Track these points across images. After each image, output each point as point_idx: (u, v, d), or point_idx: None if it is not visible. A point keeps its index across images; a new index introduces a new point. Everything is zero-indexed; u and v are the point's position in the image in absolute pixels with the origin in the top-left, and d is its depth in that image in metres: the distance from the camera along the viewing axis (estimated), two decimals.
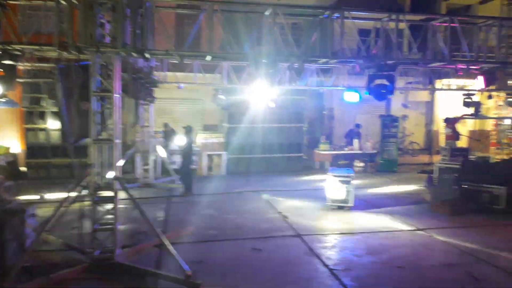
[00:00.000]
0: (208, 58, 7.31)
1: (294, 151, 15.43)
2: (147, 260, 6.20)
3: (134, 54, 6.43)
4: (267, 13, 7.40)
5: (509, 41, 9.15)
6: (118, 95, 6.05)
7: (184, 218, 8.76)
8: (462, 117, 15.49)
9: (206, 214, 9.30)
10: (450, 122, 15.01)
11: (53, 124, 13.09)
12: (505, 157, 15.85)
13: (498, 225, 8.48)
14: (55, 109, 12.74)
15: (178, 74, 12.20)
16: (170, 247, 5.81)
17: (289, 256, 6.72)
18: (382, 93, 7.37)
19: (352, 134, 16.20)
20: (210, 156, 14.69)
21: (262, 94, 7.70)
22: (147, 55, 6.71)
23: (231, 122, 14.89)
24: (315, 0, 17.97)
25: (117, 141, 6.03)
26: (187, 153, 11.51)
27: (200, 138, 14.75)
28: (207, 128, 15.96)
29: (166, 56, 8.64)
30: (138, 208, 5.98)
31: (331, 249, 7.08)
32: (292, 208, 9.84)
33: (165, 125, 14.87)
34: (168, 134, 14.46)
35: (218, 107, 14.44)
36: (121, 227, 6.36)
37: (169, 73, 12.08)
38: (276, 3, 7.46)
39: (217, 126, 16.46)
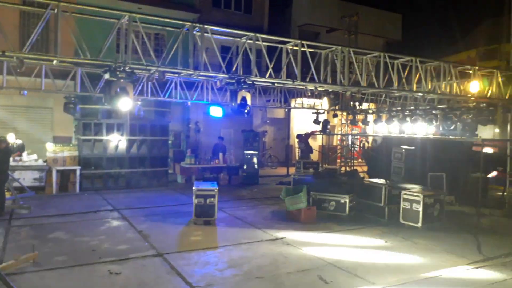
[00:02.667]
0: (55, 62, 6.54)
1: (158, 165, 14.85)
2: None
3: None
4: (123, 20, 7.00)
5: (350, 67, 10.44)
6: None
7: (26, 243, 7.56)
8: (312, 133, 17.16)
9: (53, 238, 8.22)
10: (302, 137, 16.47)
11: None
12: (348, 169, 18.05)
13: (344, 230, 9.47)
14: None
15: (21, 79, 10.67)
16: (6, 279, 4.90)
17: (149, 277, 6.32)
18: (242, 109, 7.61)
19: (218, 148, 16.48)
20: (61, 172, 13.17)
21: (120, 104, 7.17)
22: None
23: (86, 134, 13.64)
24: (183, 13, 17.95)
25: None
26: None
27: (49, 152, 13.13)
28: (58, 140, 14.31)
29: (2, 58, 7.45)
30: None
31: (194, 265, 6.92)
32: (155, 225, 9.40)
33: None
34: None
35: (71, 117, 13.09)
36: None
37: (10, 78, 10.49)
38: (133, 11, 7.13)
39: (70, 138, 14.93)
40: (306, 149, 16.55)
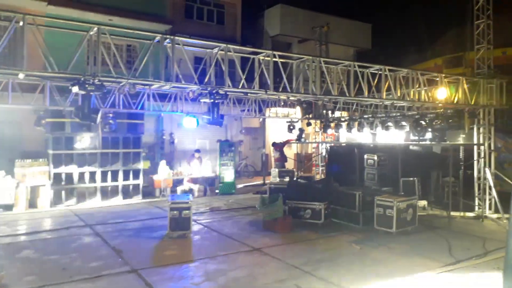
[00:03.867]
0: (21, 76, 6.37)
1: (131, 178, 14.57)
2: None
3: None
4: (91, 32, 6.91)
5: (322, 76, 10.60)
6: None
7: None
8: (287, 142, 17.28)
9: (22, 257, 7.92)
10: (278, 146, 16.57)
11: None
12: (323, 176, 18.20)
13: (320, 238, 9.52)
14: None
15: None
16: None
17: None
18: (216, 120, 7.60)
19: (193, 159, 16.32)
20: (30, 188, 12.74)
21: (91, 117, 7.02)
22: None
23: (56, 148, 13.28)
24: (155, 24, 17.87)
25: None
26: None
27: (17, 167, 12.69)
28: (27, 155, 13.85)
29: None
30: None
31: (169, 280, 6.81)
32: (128, 241, 9.20)
33: None
34: None
35: (41, 131, 12.73)
36: None
37: None
38: (104, 23, 7.05)
39: (40, 152, 14.48)
40: (281, 158, 16.65)
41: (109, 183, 14.02)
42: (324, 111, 16.27)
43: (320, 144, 18.79)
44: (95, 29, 6.97)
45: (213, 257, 7.98)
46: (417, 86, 11.44)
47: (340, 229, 10.21)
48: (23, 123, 14.60)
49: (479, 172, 12.07)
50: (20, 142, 14.90)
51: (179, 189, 14.97)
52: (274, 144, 17.23)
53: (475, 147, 12.21)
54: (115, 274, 7.01)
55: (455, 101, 11.88)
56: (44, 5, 15.23)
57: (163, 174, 15.01)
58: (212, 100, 7.35)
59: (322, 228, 10.21)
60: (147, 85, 9.01)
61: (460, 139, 14.05)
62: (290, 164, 19.30)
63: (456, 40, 18.98)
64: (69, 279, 6.72)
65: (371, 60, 12.55)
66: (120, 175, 14.25)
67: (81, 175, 13.61)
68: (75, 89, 6.65)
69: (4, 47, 6.50)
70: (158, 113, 12.90)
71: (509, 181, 11.52)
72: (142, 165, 14.77)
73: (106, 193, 14.00)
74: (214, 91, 7.40)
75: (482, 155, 12.08)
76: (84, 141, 13.71)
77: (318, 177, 18.03)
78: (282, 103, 10.85)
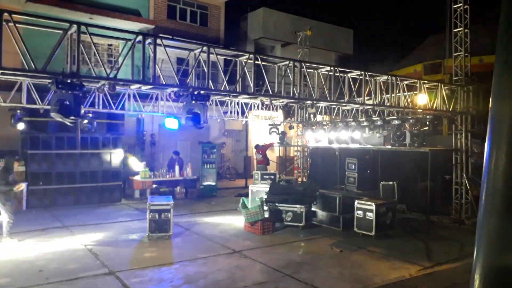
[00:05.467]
0: None
1: (110, 179, 14.31)
2: None
3: None
4: (70, 31, 6.78)
5: (304, 80, 10.66)
6: None
7: None
8: (270, 145, 17.30)
9: None
10: (260, 149, 16.56)
11: None
12: (305, 179, 18.29)
13: (300, 241, 9.56)
14: None
15: None
16: None
17: None
18: (196, 122, 7.54)
19: (173, 162, 16.18)
20: None
21: (66, 118, 6.86)
22: None
23: (33, 147, 12.96)
24: (137, 24, 17.68)
25: None
26: None
27: None
28: (2, 154, 13.46)
29: None
30: None
31: (148, 283, 6.71)
32: (106, 242, 9.04)
33: None
34: None
35: (18, 131, 12.40)
36: None
37: None
38: (85, 22, 6.92)
39: (16, 152, 14.10)
40: (264, 160, 16.64)
41: (88, 184, 13.75)
42: (306, 115, 16.38)
43: (302, 148, 18.88)
44: (75, 27, 6.84)
45: (193, 260, 7.91)
46: (397, 92, 11.63)
47: (321, 232, 10.27)
48: None
49: (456, 177, 12.33)
50: None
51: (160, 190, 14.79)
52: (257, 147, 17.24)
53: (453, 152, 12.48)
54: (92, 276, 6.87)
55: (434, 107, 12.12)
56: (23, 2, 14.89)
57: (142, 176, 14.82)
58: (193, 101, 7.28)
59: (303, 231, 10.25)
60: (127, 85, 8.88)
61: (438, 145, 14.34)
62: (272, 167, 19.34)
63: (436, 47, 19.40)
64: (46, 281, 6.55)
65: (352, 65, 12.70)
66: (99, 176, 14.00)
67: (59, 175, 13.31)
68: (53, 88, 6.50)
69: None
70: (138, 114, 12.71)
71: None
72: (121, 166, 14.54)
73: (85, 194, 13.71)
74: (195, 93, 7.34)
75: (459, 160, 12.35)
76: (63, 141, 13.41)
77: (300, 180, 18.10)
78: (265, 106, 10.84)
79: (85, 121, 10.77)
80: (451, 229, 11.02)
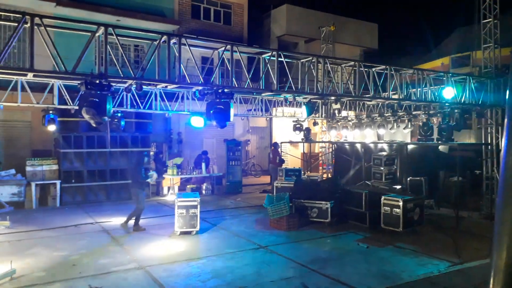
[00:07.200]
0: (29, 76, 6.47)
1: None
2: None
3: None
4: (98, 33, 7.01)
5: (328, 76, 10.62)
6: None
7: (4, 260, 7.38)
8: (291, 142, 17.29)
9: (32, 253, 8.06)
10: (271, 150, 16.50)
11: None
12: (330, 175, 18.21)
13: (326, 237, 9.56)
14: None
15: None
16: None
17: None
18: (220, 120, 7.66)
19: (200, 160, 16.42)
20: (40, 186, 12.95)
21: (96, 117, 7.09)
22: None
23: (66, 147, 13.45)
24: (162, 25, 17.99)
25: None
26: None
27: (28, 166, 12.89)
28: (37, 154, 14.07)
29: None
30: None
31: (176, 277, 6.88)
32: (136, 238, 9.31)
33: None
34: None
35: (51, 131, 12.90)
36: None
37: None
38: (112, 23, 7.15)
39: (50, 151, 14.69)
40: (274, 160, 16.67)
41: (118, 181, 14.16)
42: (331, 111, 16.28)
43: (327, 144, 18.79)
44: (102, 29, 7.07)
45: (220, 255, 8.05)
46: (423, 86, 11.43)
47: (347, 228, 10.23)
48: (33, 122, 14.86)
49: (487, 171, 12.01)
50: (30, 142, 15.14)
51: (187, 187, 15.07)
52: (275, 145, 17.28)
53: (483, 146, 12.16)
54: (123, 270, 7.11)
55: (463, 100, 11.84)
56: (53, 6, 15.42)
57: (170, 173, 15.12)
58: (217, 100, 7.40)
59: (328, 227, 10.24)
60: (153, 84, 9.10)
61: (468, 139, 13.99)
62: (297, 164, 19.33)
63: (463, 39, 18.87)
64: (79, 275, 6.83)
65: (378, 60, 12.55)
66: (129, 174, 14.36)
67: (90, 173, 13.77)
68: (83, 88, 6.75)
69: (13, 47, 6.62)
70: (165, 113, 13.00)
71: None
72: (150, 164, 14.88)
73: (115, 191, 14.13)
74: (219, 91, 7.46)
75: (490, 154, 12.02)
76: (93, 140, 13.85)
77: (325, 176, 18.04)
78: (288, 103, 10.86)
79: (115, 120, 11.11)
80: (481, 225, 10.75)
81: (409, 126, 13.28)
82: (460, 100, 11.81)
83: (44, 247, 8.46)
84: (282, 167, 16.07)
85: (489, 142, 12.09)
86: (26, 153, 14.25)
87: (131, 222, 9.94)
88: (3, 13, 7.24)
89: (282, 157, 17.24)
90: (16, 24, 6.53)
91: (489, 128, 12.18)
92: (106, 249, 8.40)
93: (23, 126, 15.21)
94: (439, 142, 11.96)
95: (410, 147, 13.78)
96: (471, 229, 10.34)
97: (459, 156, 11.12)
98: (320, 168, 20.33)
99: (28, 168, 12.88)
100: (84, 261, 7.62)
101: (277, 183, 13.28)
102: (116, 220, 10.89)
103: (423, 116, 12.25)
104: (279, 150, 17.21)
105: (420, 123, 12.61)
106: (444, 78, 11.57)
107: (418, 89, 11.31)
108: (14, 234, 9.50)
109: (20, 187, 12.46)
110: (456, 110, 11.87)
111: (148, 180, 10.66)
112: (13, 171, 12.78)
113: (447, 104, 12.08)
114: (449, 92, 11.57)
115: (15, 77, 9.49)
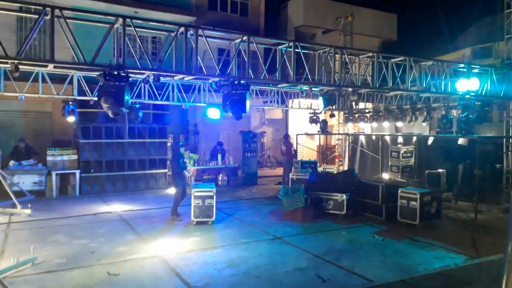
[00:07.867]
0: (50, 67, 6.60)
1: (157, 167, 14.93)
2: None
3: None
4: (116, 24, 7.09)
5: (346, 67, 10.52)
6: None
7: (25, 247, 7.62)
8: (307, 134, 17.17)
9: (52, 240, 8.29)
10: (285, 142, 16.40)
11: None
12: (347, 168, 18.08)
13: (341, 229, 9.53)
14: None
15: (18, 83, 10.71)
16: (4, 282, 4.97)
17: (148, 278, 6.39)
18: (236, 112, 7.68)
19: (216, 151, 16.51)
20: (60, 175, 13.26)
21: (115, 108, 7.20)
22: None
23: (85, 137, 13.71)
24: (179, 16, 18.05)
25: None
26: None
27: (49, 156, 13.20)
28: (57, 144, 14.38)
29: None
30: None
31: (193, 265, 6.98)
32: (153, 227, 9.46)
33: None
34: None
35: (70, 121, 13.16)
36: None
37: (7, 82, 10.54)
38: (130, 15, 7.22)
39: (69, 141, 15.00)
40: (286, 152, 16.56)
41: (136, 171, 14.39)
42: (348, 103, 16.13)
43: (343, 136, 18.65)
44: (120, 21, 7.15)
45: (235, 245, 8.13)
46: (443, 77, 11.20)
47: (363, 221, 10.19)
48: (53, 113, 15.18)
49: (508, 165, 11.75)
50: (50, 132, 15.48)
51: (204, 178, 15.21)
52: (286, 137, 17.15)
53: (505, 140, 11.88)
54: (140, 258, 7.25)
55: (484, 92, 11.56)
56: None
57: (188, 164, 15.27)
58: (233, 91, 7.42)
59: (344, 219, 10.21)
60: (170, 76, 9.18)
61: (488, 132, 13.68)
62: (313, 156, 19.27)
63: (486, 30, 18.38)
64: (97, 262, 7.00)
65: (397, 51, 12.35)
66: (146, 164, 14.61)
67: (109, 163, 14.02)
68: (101, 79, 6.86)
69: (34, 39, 6.77)
70: (182, 104, 13.11)
71: None
72: (168, 155, 15.07)
73: (133, 181, 14.37)
74: (236, 82, 7.47)
75: (511, 148, 11.74)
76: (112, 131, 14.07)
77: (341, 168, 17.94)
78: (305, 94, 10.80)
79: (132, 111, 11.24)
80: (500, 220, 10.55)
81: (428, 118, 13.05)
82: (481, 92, 11.54)
83: (64, 235, 8.69)
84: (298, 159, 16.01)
85: (510, 135, 11.81)
86: (47, 143, 14.58)
87: (179, 209, 10.08)
88: (24, 5, 7.35)
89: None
90: (37, 16, 6.66)
91: (510, 121, 11.88)
92: (123, 238, 8.57)
93: (44, 116, 15.56)
94: (459, 135, 11.72)
95: (428, 140, 13.57)
96: (490, 223, 10.17)
97: (479, 150, 10.89)
98: (336, 160, 20.22)
99: (48, 158, 13.19)
100: (102, 248, 7.80)
101: (292, 175, 13.28)
102: (134, 210, 11.09)
103: (442, 108, 12.02)
104: (290, 140, 17.09)
105: (439, 116, 12.37)
106: (465, 70, 11.31)
107: (438, 81, 11.10)
108: (35, 222, 9.77)
109: (41, 176, 12.78)
110: (476, 103, 11.61)
111: (185, 172, 10.60)
112: (34, 160, 13.12)
113: (467, 96, 11.82)
114: (473, 84, 11.26)
115: (36, 68, 9.68)
